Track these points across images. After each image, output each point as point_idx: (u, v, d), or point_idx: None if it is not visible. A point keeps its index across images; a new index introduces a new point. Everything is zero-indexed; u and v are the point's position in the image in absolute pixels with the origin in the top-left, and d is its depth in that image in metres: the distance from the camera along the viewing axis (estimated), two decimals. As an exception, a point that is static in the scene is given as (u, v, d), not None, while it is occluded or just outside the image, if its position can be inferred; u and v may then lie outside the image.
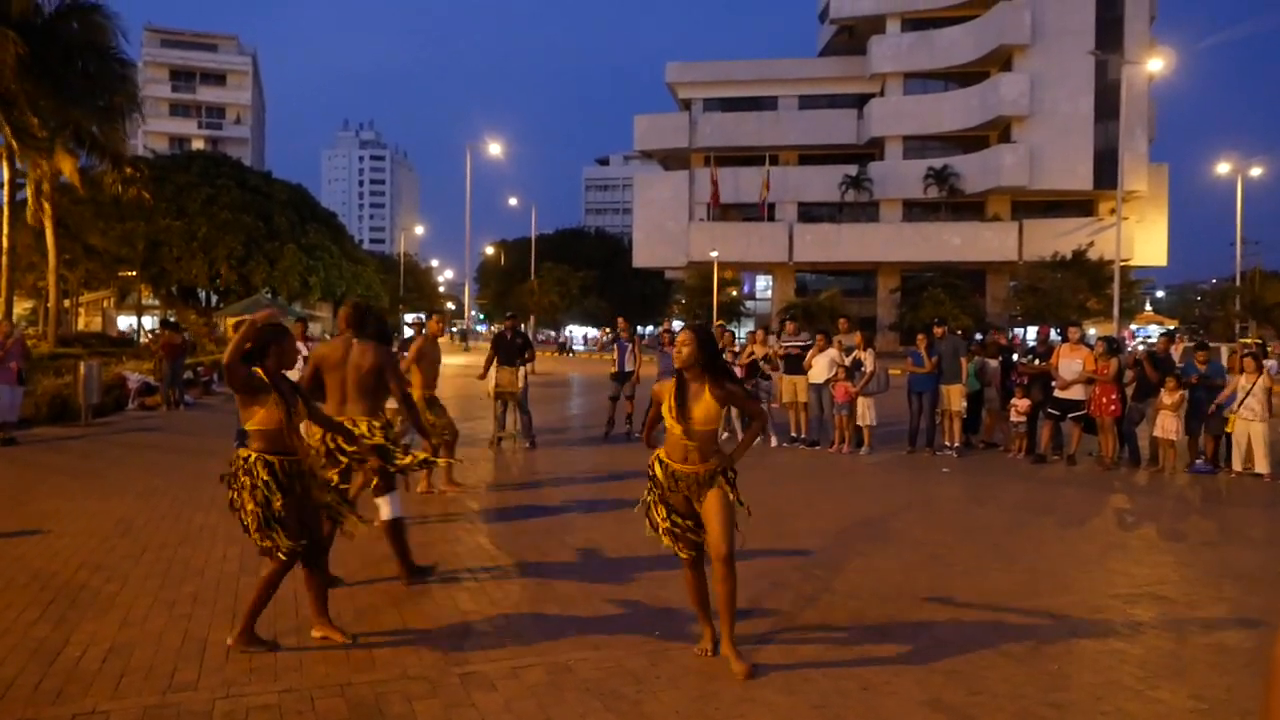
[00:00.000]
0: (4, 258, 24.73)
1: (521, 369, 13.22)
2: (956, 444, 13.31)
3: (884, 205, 56.48)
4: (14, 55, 18.59)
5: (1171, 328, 35.81)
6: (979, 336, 20.88)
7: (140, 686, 4.51)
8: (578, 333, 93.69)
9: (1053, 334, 14.66)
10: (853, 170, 56.04)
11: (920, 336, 13.64)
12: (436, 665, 4.84)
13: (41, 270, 34.23)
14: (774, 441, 13.92)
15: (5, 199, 25.59)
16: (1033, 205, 53.56)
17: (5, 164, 25.09)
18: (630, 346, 14.83)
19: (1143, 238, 50.76)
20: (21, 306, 42.39)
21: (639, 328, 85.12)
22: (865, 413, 13.42)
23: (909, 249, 53.62)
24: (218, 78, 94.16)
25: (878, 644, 5.29)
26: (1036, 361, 13.46)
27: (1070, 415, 12.58)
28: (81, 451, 12.57)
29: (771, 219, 57.19)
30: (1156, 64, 39.56)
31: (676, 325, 32.71)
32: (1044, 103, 50.81)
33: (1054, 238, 50.02)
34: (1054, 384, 12.78)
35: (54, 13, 23.86)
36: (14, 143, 24.25)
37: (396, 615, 5.59)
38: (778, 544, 7.59)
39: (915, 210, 56.34)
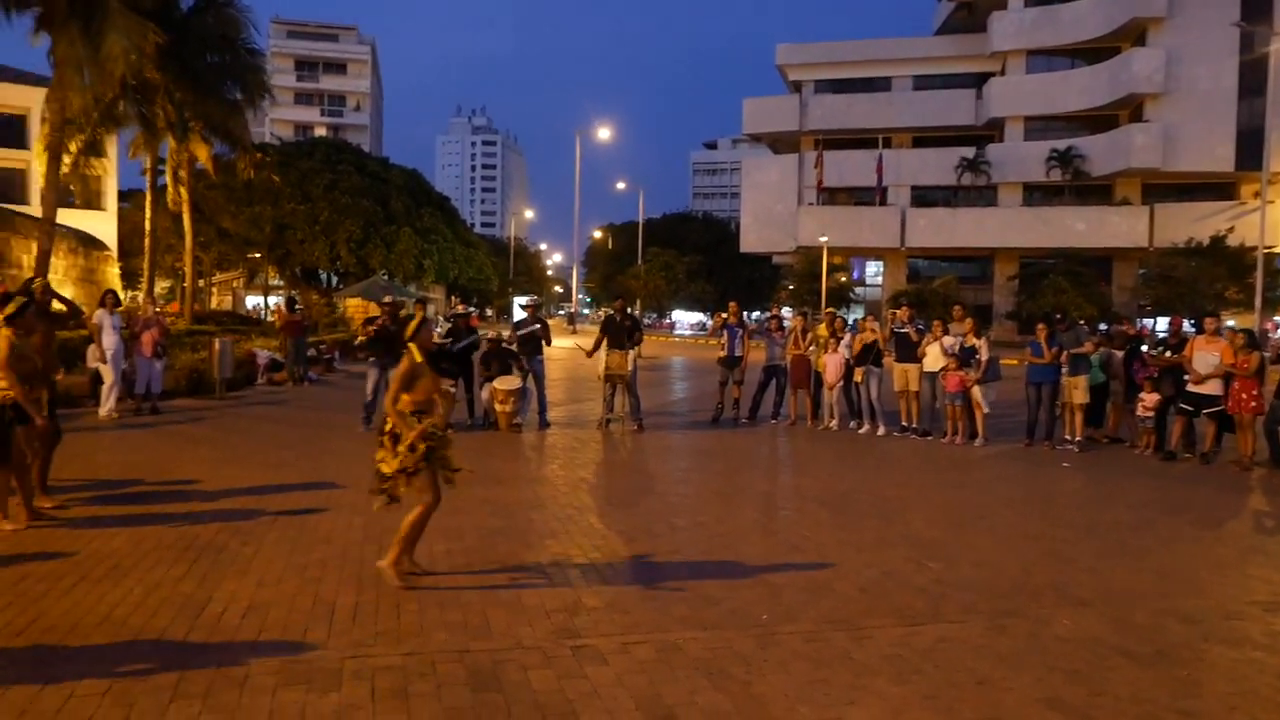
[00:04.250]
0: (148, 239, 26.23)
1: (631, 352, 13.37)
2: (1078, 438, 12.87)
3: (1002, 189, 54.61)
4: (154, 46, 19.59)
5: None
6: (1104, 327, 20.08)
7: (276, 643, 4.79)
8: (683, 318, 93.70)
9: (1185, 325, 13.97)
10: (969, 152, 54.30)
11: (1040, 326, 13.21)
12: (550, 637, 4.99)
13: (179, 252, 36.27)
14: (881, 430, 13.72)
15: (149, 184, 27.10)
16: (1166, 188, 50.95)
17: (147, 152, 26.57)
18: (741, 332, 14.80)
19: (1288, 223, 47.79)
20: (160, 286, 44.73)
21: (746, 314, 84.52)
22: (979, 402, 13.11)
23: (1028, 234, 51.72)
24: (339, 67, 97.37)
25: (994, 639, 5.21)
26: (1168, 354, 12.88)
27: (1205, 411, 12.01)
28: (216, 423, 13.28)
29: (884, 203, 55.99)
30: (1308, 37, 37.06)
31: (785, 312, 32.49)
32: (1181, 79, 48.21)
33: (1189, 223, 47.49)
34: (1186, 378, 12.21)
35: (191, 7, 25.12)
36: (166, 132, 25.65)
37: (512, 590, 5.77)
38: (887, 534, 7.52)
39: (1036, 194, 54.29)
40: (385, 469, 5.71)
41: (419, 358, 5.84)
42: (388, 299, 13.69)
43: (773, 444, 13.07)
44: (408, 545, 5.83)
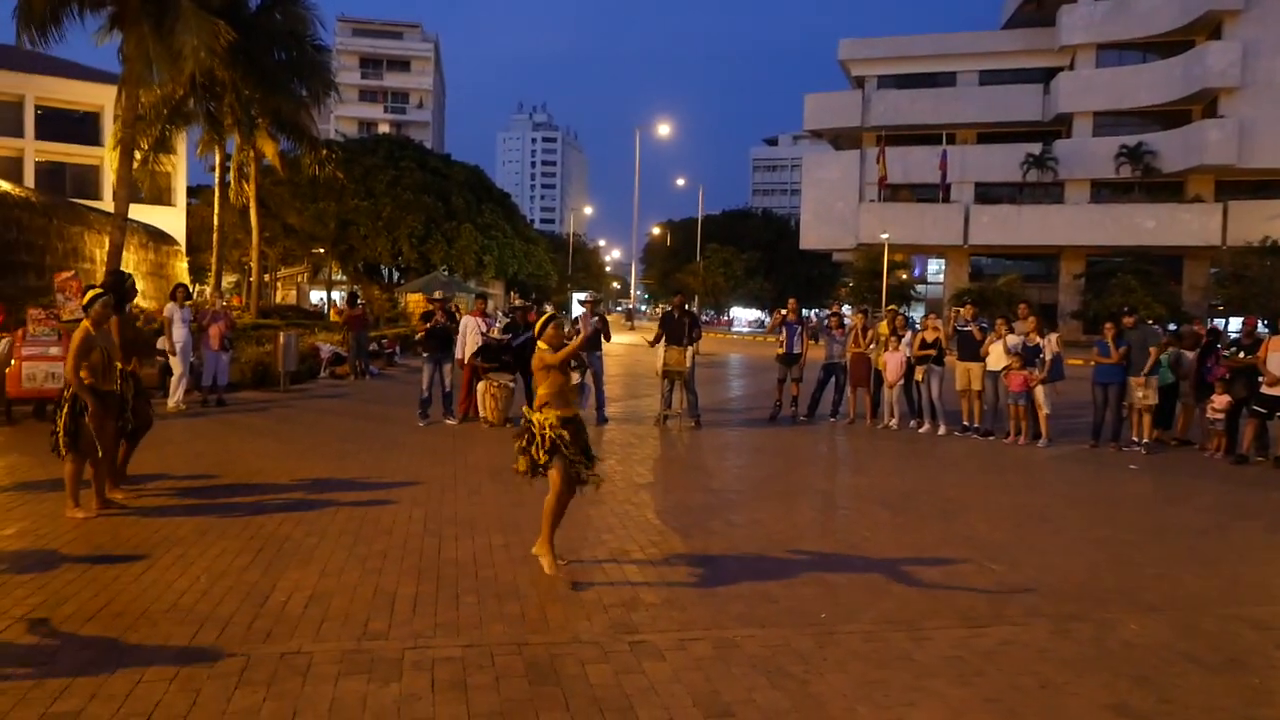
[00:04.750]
0: (215, 234, 26.86)
1: (690, 348, 13.34)
2: (1146, 440, 12.55)
3: (1069, 186, 53.43)
4: (224, 44, 20.00)
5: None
6: (1173, 326, 19.54)
7: (338, 632, 4.87)
8: (742, 315, 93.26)
9: (1259, 326, 13.51)
10: (1036, 149, 53.21)
11: (1108, 325, 12.90)
12: (607, 633, 5.00)
13: (245, 247, 37.10)
14: (942, 429, 13.52)
15: (216, 181, 27.74)
16: (1240, 185, 49.39)
17: (216, 148, 27.19)
18: (800, 329, 14.69)
19: (1372, 221, 46.01)
20: (227, 280, 45.84)
21: (805, 311, 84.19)
22: (1042, 403, 12.85)
23: (1096, 232, 50.54)
24: (403, 64, 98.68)
25: (1058, 642, 5.10)
26: (1241, 355, 12.48)
27: None
28: (281, 415, 13.55)
29: (947, 200, 55.13)
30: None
31: (845, 309, 32.14)
32: (1258, 73, 46.65)
33: (1264, 220, 45.94)
34: (1261, 379, 11.83)
35: (259, 4, 25.64)
36: (234, 128, 26.24)
37: (568, 585, 5.80)
38: (949, 536, 7.42)
39: (1104, 191, 53.01)
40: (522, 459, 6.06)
41: (551, 359, 6.07)
42: (438, 294, 13.81)
43: (831, 442, 12.95)
44: (551, 526, 6.05)
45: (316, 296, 55.71)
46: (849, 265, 61.02)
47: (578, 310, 16.96)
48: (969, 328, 13.72)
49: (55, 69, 36.33)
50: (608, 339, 13.67)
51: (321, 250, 47.16)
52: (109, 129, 30.60)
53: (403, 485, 8.58)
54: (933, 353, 13.78)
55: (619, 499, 8.34)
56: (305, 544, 6.49)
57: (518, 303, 14.78)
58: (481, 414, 12.80)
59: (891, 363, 14.04)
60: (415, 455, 10.38)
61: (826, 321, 15.23)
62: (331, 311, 36.85)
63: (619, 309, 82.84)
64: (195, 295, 28.03)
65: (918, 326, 14.69)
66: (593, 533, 7.06)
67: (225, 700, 4.10)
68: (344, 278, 51.34)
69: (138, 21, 19.50)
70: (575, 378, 12.76)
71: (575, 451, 6.02)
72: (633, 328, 59.85)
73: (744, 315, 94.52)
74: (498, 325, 14.55)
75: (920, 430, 13.75)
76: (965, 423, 13.73)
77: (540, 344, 6.17)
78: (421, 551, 6.39)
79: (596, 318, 13.62)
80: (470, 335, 13.34)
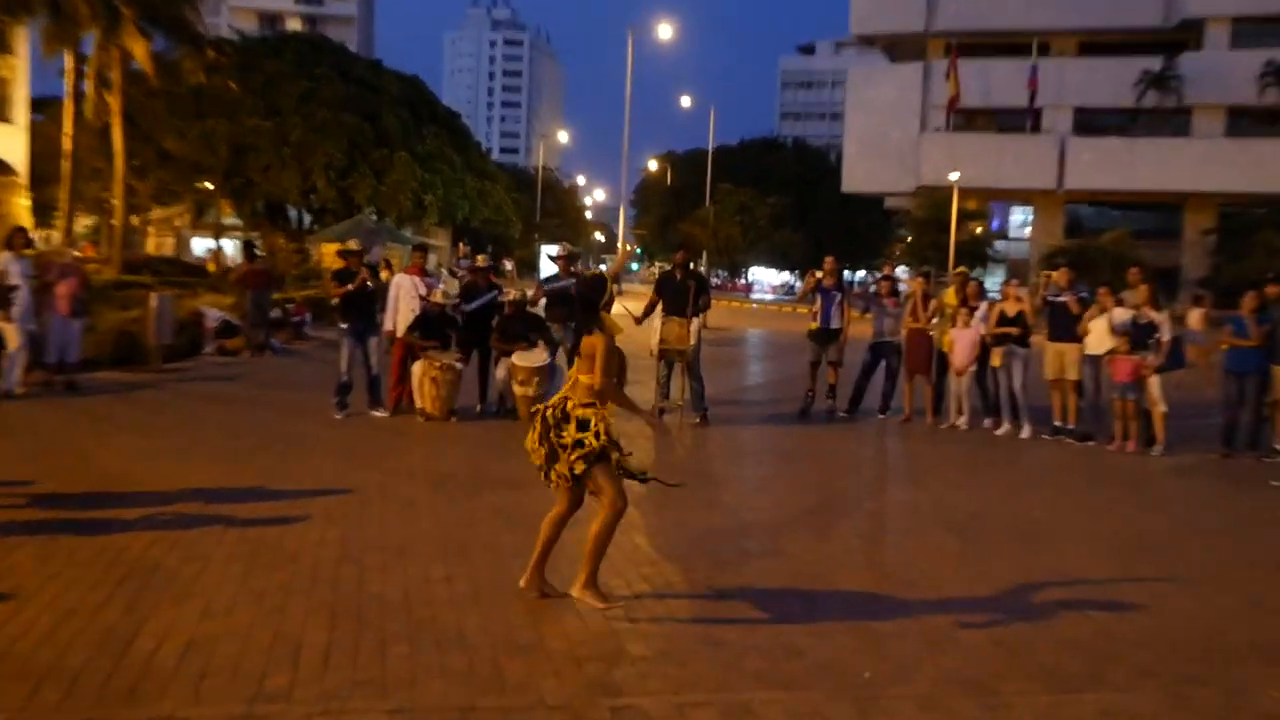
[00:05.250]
0: (66, 162, 26.62)
1: (694, 321, 13.31)
2: (1294, 448, 12.62)
3: (1198, 113, 53.51)
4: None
5: None
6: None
7: (224, 691, 4.85)
8: (764, 278, 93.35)
9: None
10: (1155, 64, 53.24)
11: (1247, 297, 12.91)
12: (582, 694, 4.99)
13: (106, 180, 36.71)
14: (1026, 430, 13.55)
15: (68, 91, 27.48)
16: None
17: (65, 47, 26.89)
18: (839, 297, 14.67)
19: None
20: (82, 224, 45.53)
21: (847, 273, 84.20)
22: (1157, 398, 12.88)
23: (1232, 175, 50.65)
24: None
25: (1175, 713, 5.11)
26: None
27: None
28: (153, 403, 13.50)
29: (1037, 129, 55.13)
30: None
31: (900, 272, 31.93)
32: None
33: None
34: None
35: None
36: (91, 21, 25.91)
37: (533, 630, 5.79)
38: (1032, 571, 7.44)
39: (1244, 121, 53.14)
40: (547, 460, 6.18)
41: (611, 332, 6.25)
42: (353, 245, 13.69)
43: (880, 446, 12.95)
44: (596, 560, 6.10)
45: (202, 246, 55.42)
46: (906, 214, 61.14)
47: (548, 270, 16.92)
48: (1063, 298, 13.73)
49: None
50: (586, 307, 13.65)
51: (209, 185, 46.87)
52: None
53: (313, 497, 8.55)
54: (1015, 330, 13.79)
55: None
56: (182, 574, 6.46)
57: (481, 261, 14.69)
58: (418, 404, 12.78)
59: (960, 343, 14.05)
60: (331, 458, 10.36)
61: (875, 288, 15.22)
62: (209, 263, 36.57)
63: (602, 268, 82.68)
64: (38, 243, 27.82)
65: (995, 296, 14.71)
66: (563, 561, 7.04)
67: (72, 779, 4.07)
68: (239, 222, 51.10)
69: None
70: (540, 355, 12.78)
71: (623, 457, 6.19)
72: (619, 292, 59.80)
73: (767, 278, 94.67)
74: (441, 287, 14.52)
75: (997, 432, 13.80)
76: (1056, 422, 13.77)
77: (605, 318, 6.34)
78: (337, 585, 6.37)
79: (572, 280, 13.59)
80: (404, 301, 13.29)
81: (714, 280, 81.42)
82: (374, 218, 44.04)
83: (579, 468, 6.01)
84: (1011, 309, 13.88)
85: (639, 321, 14.05)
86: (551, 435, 6.08)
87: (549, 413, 6.16)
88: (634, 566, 7.03)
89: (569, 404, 6.11)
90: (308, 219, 50.63)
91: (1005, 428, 13.80)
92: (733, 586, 6.72)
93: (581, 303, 6.50)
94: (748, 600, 6.46)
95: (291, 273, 33.06)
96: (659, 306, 13.65)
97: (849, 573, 7.18)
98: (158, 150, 41.37)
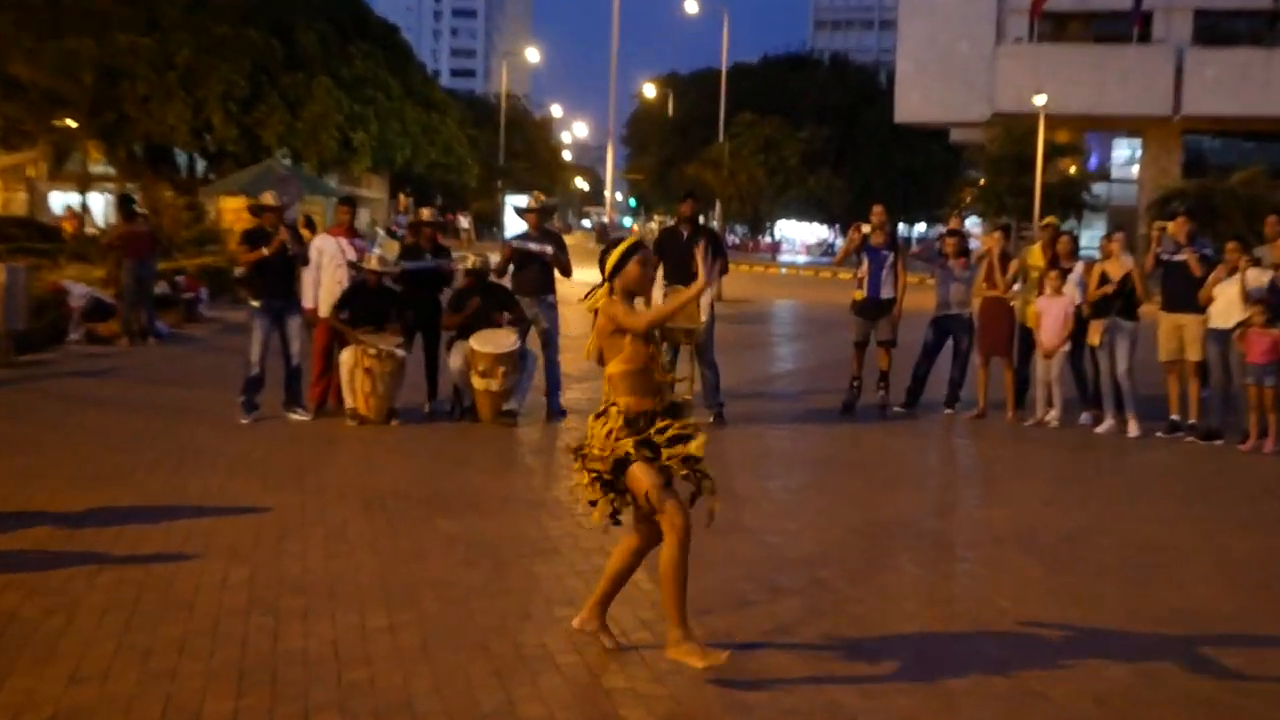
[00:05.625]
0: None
1: (706, 292, 13.19)
2: None
3: (1353, 16, 53.40)
4: None
5: None
6: None
7: (98, 781, 4.78)
8: (795, 234, 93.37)
9: None
10: (1299, -49, 53.18)
11: None
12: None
13: (-66, 117, 36.55)
14: (1134, 429, 13.50)
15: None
16: None
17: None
18: (890, 259, 14.59)
19: None
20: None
21: (903, 228, 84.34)
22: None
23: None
24: None
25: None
26: None
27: None
28: (1, 408, 13.43)
29: (1146, 39, 55.04)
30: None
31: (971, 225, 31.95)
32: None
33: None
34: None
35: None
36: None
37: (500, 691, 5.75)
38: (1143, 607, 7.44)
39: None
40: (579, 477, 6.22)
41: (632, 320, 6.01)
42: (269, 199, 13.53)
43: (946, 451, 12.92)
44: (678, 600, 5.96)
45: (62, 202, 55.10)
46: (977, 151, 61.01)
47: (516, 227, 16.84)
48: (1181, 256, 13.66)
49: None
50: (565, 273, 13.59)
51: (71, 123, 46.50)
52: None
53: (214, 526, 8.50)
54: (1113, 292, 13.70)
55: (585, 547, 8.31)
56: (43, 629, 6.39)
57: (425, 215, 14.58)
58: (348, 403, 12.71)
59: (1050, 315, 13.99)
60: (236, 475, 10.31)
61: (939, 245, 15.14)
62: (65, 223, 36.31)
63: (585, 224, 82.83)
64: None
65: (1094, 254, 14.64)
66: (541, 604, 7.00)
67: None
68: (111, 171, 50.84)
69: None
70: (507, 338, 12.72)
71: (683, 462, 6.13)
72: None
73: (799, 235, 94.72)
74: (376, 251, 14.42)
75: (1097, 429, 13.80)
76: (1174, 416, 13.73)
77: (616, 285, 6.15)
78: (245, 639, 6.31)
79: (550, 246, 13.51)
80: (329, 270, 13.20)
81: (730, 239, 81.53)
82: (287, 163, 43.75)
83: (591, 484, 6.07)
84: (1115, 271, 13.81)
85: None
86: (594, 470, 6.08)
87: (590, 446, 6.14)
88: (631, 609, 6.95)
89: (610, 409, 6.09)
90: (201, 166, 50.44)
91: (1108, 424, 13.76)
92: (759, 633, 6.69)
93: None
94: (779, 651, 6.42)
95: (182, 235, 32.89)
96: (659, 274, 13.58)
97: (908, 614, 7.15)
98: (2, 78, 41.05)
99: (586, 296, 6.13)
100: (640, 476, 5.91)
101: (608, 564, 6.33)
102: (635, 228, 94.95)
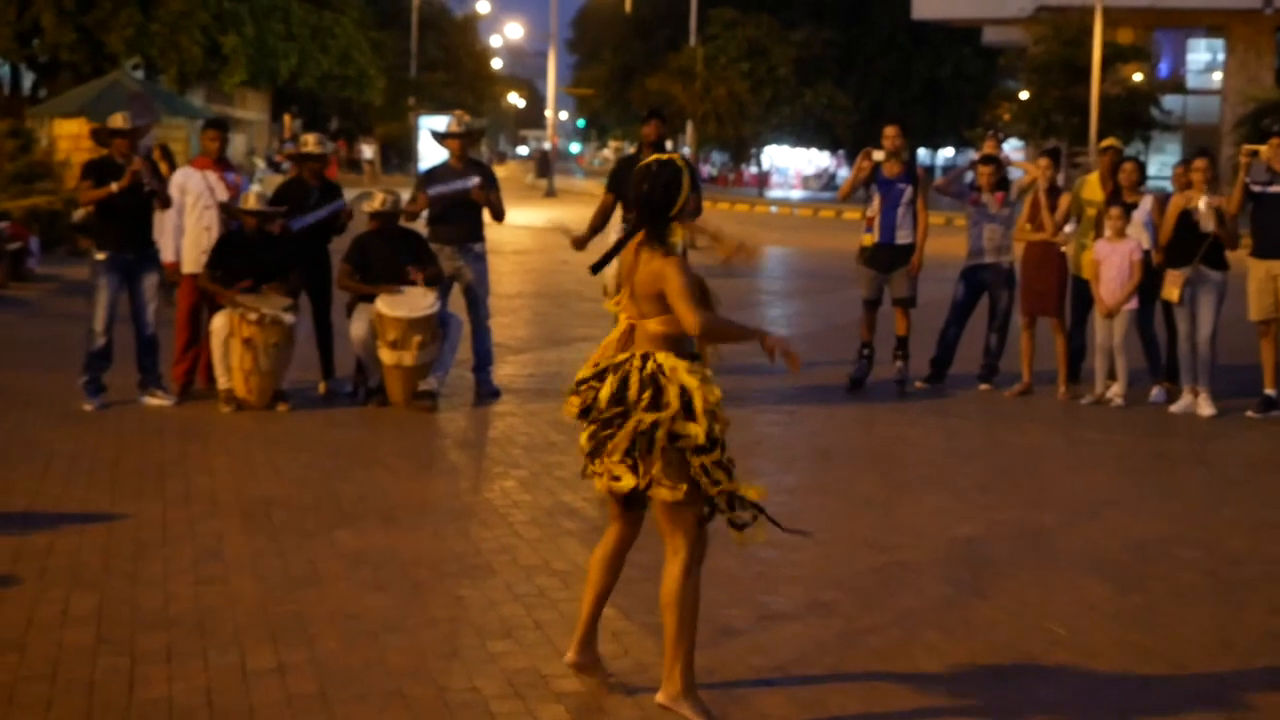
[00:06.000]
0: None
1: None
2: None
3: None
4: None
5: None
6: None
7: None
8: (789, 162, 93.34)
9: None
10: None
11: None
12: None
13: None
14: (1206, 407, 13.51)
15: None
16: None
17: None
18: (908, 192, 14.60)
19: None
20: None
21: (924, 154, 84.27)
22: None
23: None
24: None
25: None
26: None
27: None
28: None
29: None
30: None
31: (1009, 150, 31.81)
32: None
33: None
34: None
35: None
36: None
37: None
38: (1236, 633, 7.49)
39: None
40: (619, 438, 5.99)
41: (686, 287, 5.90)
42: (119, 121, 13.40)
43: (980, 436, 12.98)
44: (682, 648, 6.01)
45: None
46: (1018, 55, 61.11)
47: (433, 158, 16.79)
48: (1276, 186, 13.69)
49: None
50: (496, 216, 13.57)
51: None
52: None
53: (50, 542, 8.47)
54: (1199, 232, 13.73)
55: (526, 563, 8.36)
56: None
57: (309, 145, 14.46)
58: (222, 384, 12.68)
59: (1111, 264, 14.01)
60: (78, 477, 10.29)
61: (970, 176, 15.17)
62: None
63: (521, 152, 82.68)
64: None
65: (1166, 186, 14.67)
66: (471, 638, 7.02)
67: None
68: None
69: None
70: (423, 299, 12.69)
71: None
72: (552, 193, 59.52)
73: (793, 163, 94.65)
74: (255, 187, 14.39)
75: (1172, 408, 13.89)
76: (1269, 391, 13.77)
77: (676, 229, 6.16)
78: (92, 687, 6.31)
79: (474, 171, 13.50)
80: (195, 213, 13.13)
81: (706, 170, 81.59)
82: (140, 76, 43.43)
83: (718, 477, 5.93)
84: (1198, 203, 13.81)
85: (582, 244, 13.97)
86: (632, 412, 5.92)
87: (633, 374, 5.97)
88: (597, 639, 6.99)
89: (654, 361, 5.92)
90: (29, 80, 50.05)
91: (1185, 399, 13.84)
92: (747, 669, 6.72)
93: (648, 208, 6.15)
94: (771, 692, 6.46)
95: (4, 170, 32.68)
96: (617, 215, 13.57)
97: (933, 646, 7.16)
98: None
99: (618, 248, 6.16)
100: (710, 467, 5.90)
101: (588, 581, 6.37)
102: (582, 158, 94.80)
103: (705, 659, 6.80)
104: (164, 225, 13.14)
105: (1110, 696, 6.52)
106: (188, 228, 13.10)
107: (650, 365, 5.90)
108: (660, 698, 6.03)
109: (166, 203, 12.86)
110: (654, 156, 6.23)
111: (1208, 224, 13.50)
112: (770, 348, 6.01)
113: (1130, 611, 7.80)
